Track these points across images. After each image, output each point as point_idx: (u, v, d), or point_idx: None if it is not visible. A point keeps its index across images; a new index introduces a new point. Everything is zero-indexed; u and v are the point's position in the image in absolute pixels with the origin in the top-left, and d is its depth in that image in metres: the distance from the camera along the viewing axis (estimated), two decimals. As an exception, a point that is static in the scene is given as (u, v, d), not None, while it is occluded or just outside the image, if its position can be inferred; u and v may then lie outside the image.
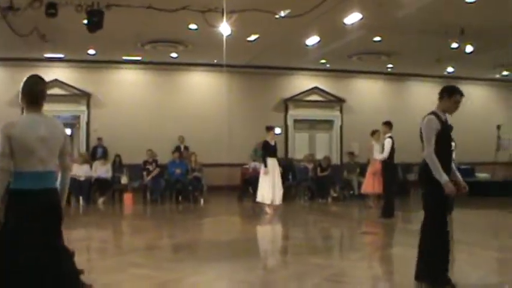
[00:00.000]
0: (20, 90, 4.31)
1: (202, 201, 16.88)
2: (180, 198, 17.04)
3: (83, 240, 10.37)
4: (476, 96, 21.64)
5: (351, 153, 19.74)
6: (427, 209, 6.02)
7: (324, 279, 6.67)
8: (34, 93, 4.28)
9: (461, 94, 6.07)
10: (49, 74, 19.13)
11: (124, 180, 17.18)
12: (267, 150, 13.96)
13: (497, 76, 23.43)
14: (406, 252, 8.59)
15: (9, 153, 4.11)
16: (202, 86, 21.37)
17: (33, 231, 4.09)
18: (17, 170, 4.16)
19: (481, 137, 21.46)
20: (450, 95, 6.02)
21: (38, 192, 4.16)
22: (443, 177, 5.73)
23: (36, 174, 4.17)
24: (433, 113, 6.02)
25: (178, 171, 17.13)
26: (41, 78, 4.39)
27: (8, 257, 4.03)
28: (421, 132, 6.00)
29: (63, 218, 4.39)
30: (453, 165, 6.10)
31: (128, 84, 20.58)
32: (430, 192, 5.92)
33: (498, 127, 19.72)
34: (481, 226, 12.32)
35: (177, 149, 18.75)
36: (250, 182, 16.98)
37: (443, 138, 5.93)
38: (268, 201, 13.78)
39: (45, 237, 4.14)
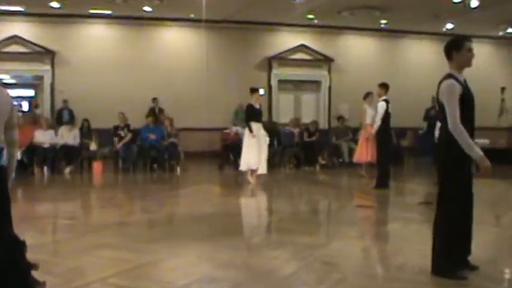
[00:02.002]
0: None
1: (179, 170, 16.66)
2: (154, 166, 16.84)
3: (47, 216, 10.13)
4: (478, 55, 21.33)
5: (341, 117, 19.53)
6: (448, 190, 5.43)
7: (316, 260, 6.48)
8: None
9: (469, 40, 5.63)
10: (7, 29, 18.73)
11: (93, 147, 16.89)
12: (251, 114, 13.59)
13: (501, 34, 23.19)
14: (405, 228, 8.50)
15: None
16: (178, 43, 20.94)
17: None
18: None
19: (482, 100, 21.20)
20: (458, 48, 5.54)
21: None
22: (477, 152, 5.21)
23: None
24: (450, 75, 5.49)
25: (152, 136, 16.86)
26: None
27: None
28: (438, 99, 5.52)
29: (10, 200, 4.03)
30: None
31: (96, 41, 20.05)
32: (455, 168, 5.39)
33: (502, 89, 19.47)
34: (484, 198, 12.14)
35: (152, 112, 18.42)
36: (232, 148, 16.77)
37: (466, 105, 5.37)
38: (254, 167, 13.50)
39: None
